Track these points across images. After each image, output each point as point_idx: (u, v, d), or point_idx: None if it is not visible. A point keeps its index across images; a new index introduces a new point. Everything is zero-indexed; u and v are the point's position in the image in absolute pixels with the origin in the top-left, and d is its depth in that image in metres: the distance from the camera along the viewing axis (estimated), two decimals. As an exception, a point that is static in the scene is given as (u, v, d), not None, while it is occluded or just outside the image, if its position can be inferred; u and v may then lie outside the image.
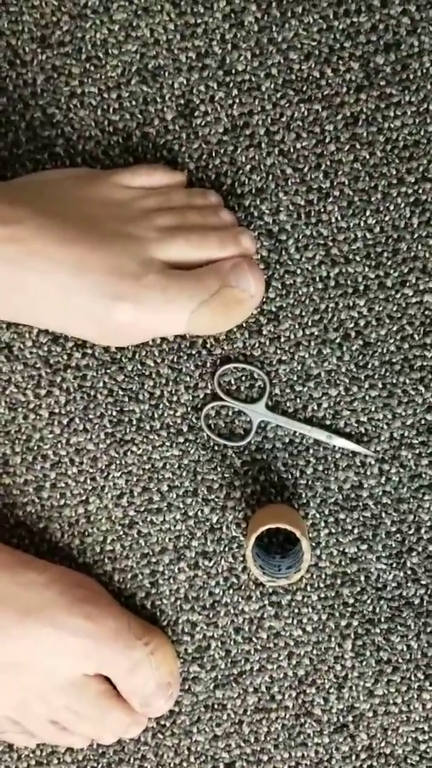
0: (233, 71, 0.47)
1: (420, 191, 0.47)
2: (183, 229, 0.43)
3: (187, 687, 0.49)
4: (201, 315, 0.43)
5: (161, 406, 0.48)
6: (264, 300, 0.47)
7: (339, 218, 0.47)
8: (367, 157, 0.47)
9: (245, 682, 0.48)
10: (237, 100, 0.47)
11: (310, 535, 0.48)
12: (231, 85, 0.47)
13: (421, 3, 0.46)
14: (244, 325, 0.47)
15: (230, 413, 0.48)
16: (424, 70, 0.46)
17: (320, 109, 0.47)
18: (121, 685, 0.45)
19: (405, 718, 0.48)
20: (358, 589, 0.48)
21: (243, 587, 0.48)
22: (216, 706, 0.49)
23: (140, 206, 0.44)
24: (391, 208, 0.47)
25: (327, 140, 0.47)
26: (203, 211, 0.45)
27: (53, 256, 0.41)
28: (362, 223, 0.47)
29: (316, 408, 0.47)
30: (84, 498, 0.48)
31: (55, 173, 0.46)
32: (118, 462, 0.48)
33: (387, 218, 0.47)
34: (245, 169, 0.47)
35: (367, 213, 0.47)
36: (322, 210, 0.47)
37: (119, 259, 0.41)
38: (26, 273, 0.41)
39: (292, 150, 0.47)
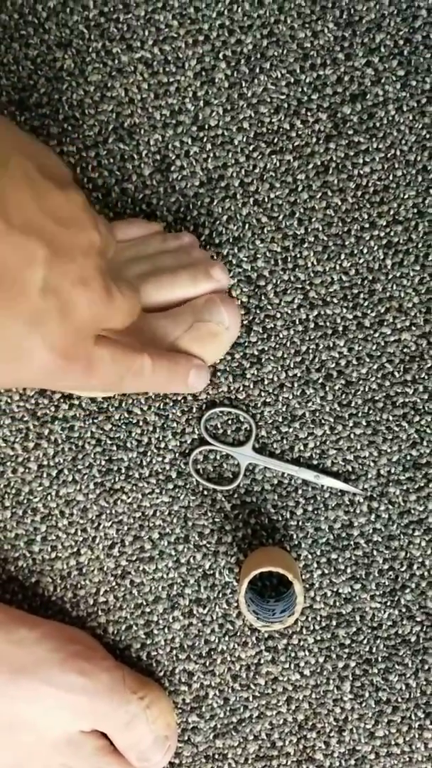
0: (206, 126, 0.48)
1: (392, 234, 0.48)
2: (155, 272, 0.44)
3: (186, 738, 0.48)
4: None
5: (149, 453, 0.48)
6: (246, 344, 0.48)
7: (315, 263, 0.48)
8: (339, 203, 0.48)
9: (245, 730, 0.48)
10: (211, 154, 0.48)
11: (303, 576, 0.48)
12: (205, 139, 0.48)
13: (383, 54, 0.48)
14: (228, 369, 0.48)
15: (218, 457, 0.48)
16: (390, 118, 0.48)
17: (292, 160, 0.48)
18: (118, 740, 0.44)
19: (407, 759, 0.48)
20: (354, 629, 0.48)
21: (238, 633, 0.48)
22: (217, 756, 0.48)
23: (119, 259, 0.45)
24: (365, 251, 0.48)
25: (300, 189, 0.48)
26: (177, 252, 0.45)
27: None
28: (338, 267, 0.48)
29: (302, 448, 0.48)
30: (75, 550, 0.48)
31: None
32: (108, 512, 0.48)
33: (361, 261, 0.48)
34: (222, 219, 0.48)
35: (342, 257, 0.48)
36: (299, 255, 0.48)
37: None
38: None
39: (266, 199, 0.48)
